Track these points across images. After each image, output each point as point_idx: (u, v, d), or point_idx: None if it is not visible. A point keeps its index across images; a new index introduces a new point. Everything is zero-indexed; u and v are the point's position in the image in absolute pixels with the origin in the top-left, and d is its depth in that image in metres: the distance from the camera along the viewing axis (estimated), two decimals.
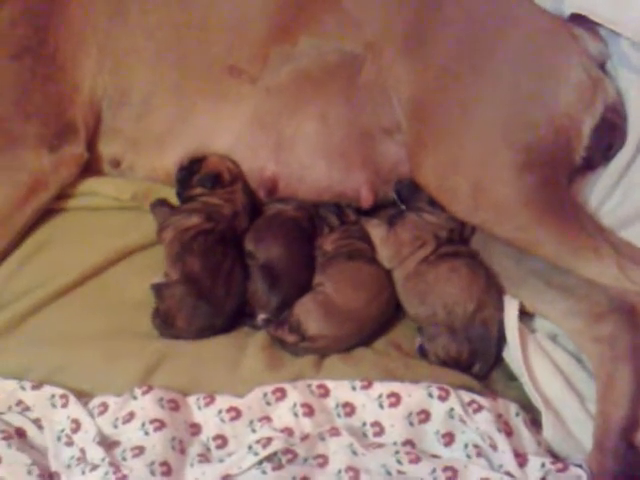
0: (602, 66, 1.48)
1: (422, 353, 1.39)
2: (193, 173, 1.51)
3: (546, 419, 1.28)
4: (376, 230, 1.50)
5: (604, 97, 1.43)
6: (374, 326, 1.42)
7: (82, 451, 1.22)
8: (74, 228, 1.50)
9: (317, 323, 1.36)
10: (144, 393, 1.27)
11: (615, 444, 1.23)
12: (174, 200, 1.54)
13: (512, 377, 1.37)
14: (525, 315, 1.42)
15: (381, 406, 1.27)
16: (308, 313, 1.37)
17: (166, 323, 1.38)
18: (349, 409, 1.28)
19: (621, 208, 1.42)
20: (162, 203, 1.51)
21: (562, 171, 1.40)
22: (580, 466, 1.22)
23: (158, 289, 1.40)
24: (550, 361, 1.36)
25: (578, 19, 1.49)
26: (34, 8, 1.49)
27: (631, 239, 1.39)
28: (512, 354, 1.36)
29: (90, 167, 1.53)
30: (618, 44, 1.47)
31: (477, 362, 1.37)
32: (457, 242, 1.46)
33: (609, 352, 1.32)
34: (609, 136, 1.44)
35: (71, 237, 1.49)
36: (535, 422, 1.30)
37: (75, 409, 1.26)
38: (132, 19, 1.51)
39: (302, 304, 1.39)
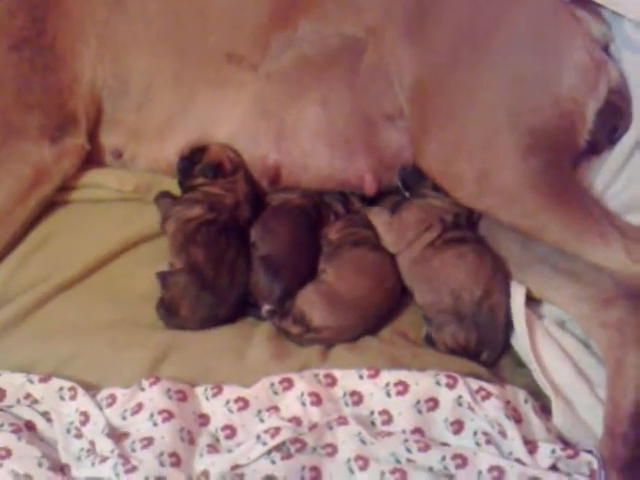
0: (605, 48, 1.47)
1: (429, 342, 1.39)
2: (194, 163, 1.51)
3: (556, 405, 1.28)
4: (378, 217, 1.50)
5: (608, 80, 1.42)
6: (379, 314, 1.41)
7: (91, 443, 1.22)
8: (78, 220, 1.50)
9: (321, 314, 1.36)
10: (152, 384, 1.27)
11: (625, 429, 1.23)
12: (177, 191, 1.53)
13: (520, 364, 1.37)
14: (532, 301, 1.42)
15: (389, 394, 1.27)
16: (311, 304, 1.36)
17: (170, 312, 1.38)
18: (357, 398, 1.28)
19: (627, 192, 1.41)
20: (165, 195, 1.51)
21: (567, 155, 1.40)
22: (591, 452, 1.22)
23: (163, 277, 1.40)
24: (558, 347, 1.35)
25: (581, 1, 1.47)
26: None
27: (638, 223, 1.38)
28: (520, 341, 1.36)
29: (92, 159, 1.53)
30: (621, 26, 1.46)
31: (485, 349, 1.36)
32: (464, 227, 1.46)
33: (617, 337, 1.32)
34: (613, 119, 1.43)
35: (75, 229, 1.49)
36: (544, 409, 1.30)
37: (83, 401, 1.26)
38: (131, 8, 1.50)
39: (304, 295, 1.38)
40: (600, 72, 1.41)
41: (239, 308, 1.41)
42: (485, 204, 1.37)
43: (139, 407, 1.25)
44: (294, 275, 1.41)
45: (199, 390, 1.30)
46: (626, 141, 1.42)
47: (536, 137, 1.36)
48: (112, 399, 1.27)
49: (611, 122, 1.43)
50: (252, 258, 1.43)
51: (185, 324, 1.38)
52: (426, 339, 1.40)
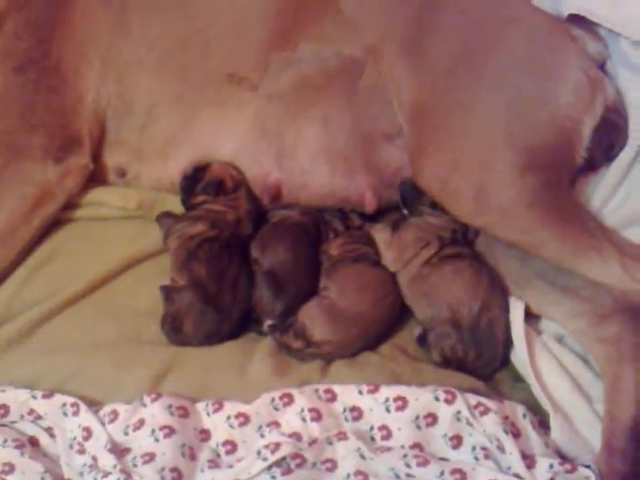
0: (602, 66, 1.49)
1: (421, 343, 1.40)
2: (197, 181, 1.53)
3: (554, 420, 1.28)
4: (380, 234, 1.51)
5: (604, 97, 1.43)
6: (379, 330, 1.42)
7: (94, 458, 1.23)
8: (81, 238, 1.51)
9: (322, 328, 1.37)
10: (153, 400, 1.28)
11: (623, 444, 1.23)
12: (179, 209, 1.55)
13: (519, 379, 1.37)
14: (531, 317, 1.43)
15: (388, 410, 1.28)
16: (313, 319, 1.37)
17: (174, 328, 1.39)
18: (356, 413, 1.29)
19: (624, 208, 1.42)
20: (167, 214, 1.53)
21: (564, 172, 1.41)
22: (589, 467, 1.22)
23: (167, 291, 1.41)
24: (557, 362, 1.36)
25: (576, 19, 1.49)
26: (37, 21, 1.50)
27: (634, 239, 1.39)
28: (519, 356, 1.36)
29: (96, 177, 1.55)
30: (617, 44, 1.47)
31: (483, 363, 1.37)
32: (461, 244, 1.47)
33: (615, 352, 1.32)
34: (610, 136, 1.44)
35: (79, 247, 1.50)
36: (543, 424, 1.30)
37: (86, 417, 1.27)
38: (134, 30, 1.53)
39: (307, 310, 1.39)
40: (596, 90, 1.43)
41: (241, 324, 1.42)
42: (483, 221, 1.38)
43: (141, 423, 1.26)
44: (296, 291, 1.43)
45: (200, 406, 1.30)
46: (623, 158, 1.43)
47: (533, 155, 1.37)
48: (114, 415, 1.28)
49: (608, 139, 1.44)
50: (254, 274, 1.45)
51: (188, 340, 1.39)
52: (419, 339, 1.40)
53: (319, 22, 1.52)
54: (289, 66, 1.51)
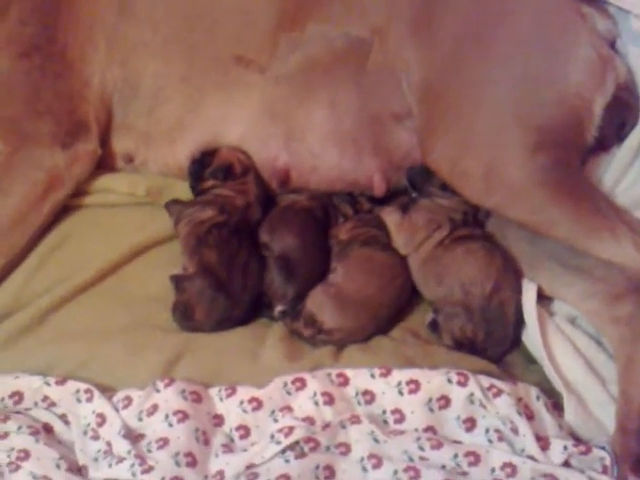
0: (612, 44, 1.47)
1: (433, 329, 1.40)
2: (205, 166, 1.52)
3: (568, 402, 1.28)
4: (390, 217, 1.50)
5: (615, 75, 1.41)
6: (389, 313, 1.42)
7: (108, 444, 1.24)
8: (91, 225, 1.51)
9: (332, 316, 1.36)
10: (166, 386, 1.28)
11: (638, 425, 1.23)
12: (188, 194, 1.54)
13: (532, 361, 1.37)
14: (543, 298, 1.42)
15: (401, 393, 1.28)
16: (321, 307, 1.37)
17: (185, 315, 1.39)
18: (369, 397, 1.29)
19: (636, 187, 1.41)
20: (175, 201, 1.52)
21: (575, 151, 1.40)
22: (603, 448, 1.22)
23: (178, 281, 1.41)
24: (570, 344, 1.35)
25: None
26: (42, 6, 1.49)
27: None
28: (531, 338, 1.36)
29: (104, 163, 1.54)
30: (627, 22, 1.46)
31: (492, 344, 1.37)
32: (472, 225, 1.46)
33: (628, 333, 1.31)
34: (621, 115, 1.42)
35: (89, 234, 1.50)
36: (556, 406, 1.30)
37: (100, 403, 1.28)
38: (139, 12, 1.51)
39: (313, 298, 1.38)
40: (607, 68, 1.41)
41: (253, 310, 1.42)
42: (493, 201, 1.37)
43: (154, 408, 1.26)
44: (308, 276, 1.42)
45: (213, 391, 1.30)
46: (634, 137, 1.42)
47: (543, 134, 1.36)
48: (128, 401, 1.28)
49: (619, 118, 1.43)
50: (264, 259, 1.44)
51: (200, 327, 1.39)
52: (431, 326, 1.40)
53: (327, 3, 1.50)
54: (297, 48, 1.50)
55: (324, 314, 1.36)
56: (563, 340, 1.35)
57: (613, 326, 1.34)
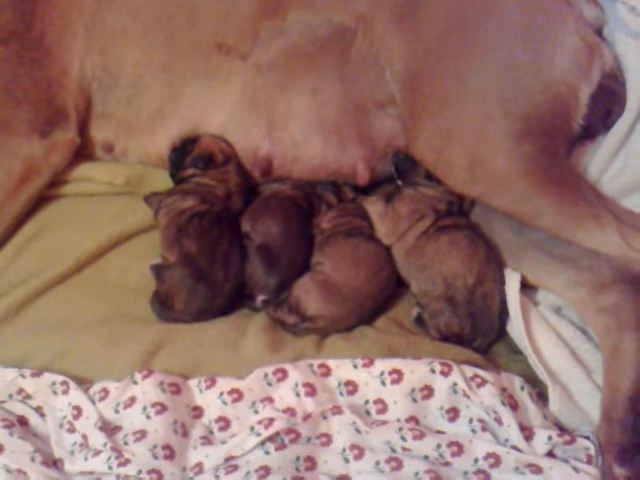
0: (599, 31, 1.46)
1: (419, 323, 1.39)
2: (186, 154, 1.50)
3: (552, 392, 1.27)
4: (373, 206, 1.49)
5: (601, 63, 1.40)
6: (374, 304, 1.41)
7: (84, 437, 1.22)
8: (69, 215, 1.49)
9: (316, 303, 1.35)
10: (144, 377, 1.27)
11: (623, 415, 1.22)
12: (168, 184, 1.52)
13: (516, 350, 1.36)
14: (528, 288, 1.41)
15: (383, 383, 1.26)
16: (307, 293, 1.36)
17: (165, 305, 1.37)
18: (351, 387, 1.27)
19: (622, 176, 1.40)
20: (154, 194, 1.50)
21: (560, 140, 1.38)
22: (588, 438, 1.22)
23: (158, 270, 1.39)
24: (554, 333, 1.34)
25: None
26: None
27: (633, 207, 1.37)
28: (515, 327, 1.35)
29: (83, 152, 1.52)
30: (614, 9, 1.45)
31: (479, 336, 1.36)
32: (456, 215, 1.45)
33: (614, 322, 1.30)
34: (608, 103, 1.41)
35: (67, 224, 1.48)
36: (541, 396, 1.29)
37: (76, 395, 1.26)
38: None
39: (301, 284, 1.38)
40: (593, 55, 1.40)
41: (234, 300, 1.41)
42: (478, 191, 1.36)
43: (132, 400, 1.25)
44: (290, 265, 1.41)
45: (192, 382, 1.29)
46: (621, 125, 1.41)
47: (529, 122, 1.34)
48: (105, 393, 1.27)
49: (605, 106, 1.42)
50: (246, 249, 1.42)
51: (180, 317, 1.37)
52: (417, 321, 1.39)
53: None
54: (279, 35, 1.48)
55: (309, 300, 1.35)
56: (547, 330, 1.35)
57: (598, 316, 1.33)
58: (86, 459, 1.19)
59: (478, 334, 1.36)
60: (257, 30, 1.48)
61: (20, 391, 1.28)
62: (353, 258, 1.41)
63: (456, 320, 1.35)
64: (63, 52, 1.47)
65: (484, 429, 1.21)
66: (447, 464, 1.17)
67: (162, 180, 1.53)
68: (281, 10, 1.48)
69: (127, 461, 1.17)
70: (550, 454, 1.20)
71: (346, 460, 1.19)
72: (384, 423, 1.22)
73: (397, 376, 1.26)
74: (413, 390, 1.25)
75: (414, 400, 1.25)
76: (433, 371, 1.26)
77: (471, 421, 1.22)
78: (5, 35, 1.45)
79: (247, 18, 1.48)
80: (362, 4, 1.46)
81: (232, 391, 1.27)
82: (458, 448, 1.18)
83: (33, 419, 1.26)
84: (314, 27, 1.47)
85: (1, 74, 1.45)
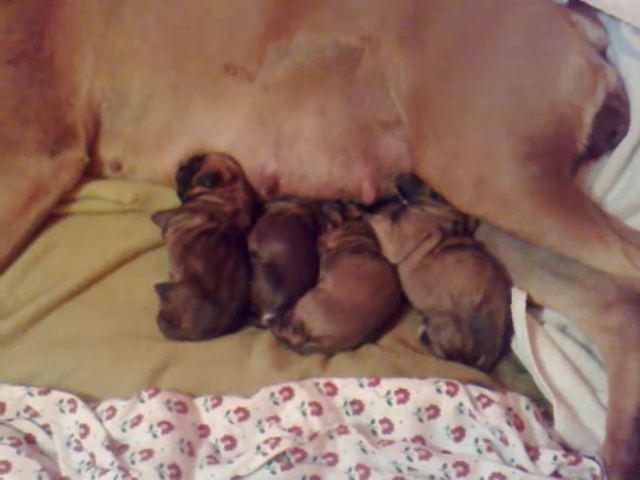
0: (602, 52, 1.47)
1: (424, 341, 1.39)
2: (193, 172, 1.51)
3: (558, 411, 1.27)
4: (380, 225, 1.49)
5: (605, 84, 1.41)
6: (378, 321, 1.40)
7: (91, 455, 1.22)
8: (77, 233, 1.49)
9: (321, 323, 1.35)
10: (151, 396, 1.27)
11: (628, 435, 1.22)
12: (175, 202, 1.53)
13: (522, 370, 1.36)
14: (533, 307, 1.41)
15: (389, 403, 1.26)
16: (310, 314, 1.36)
17: (171, 324, 1.37)
18: (357, 407, 1.27)
19: (626, 196, 1.41)
20: (162, 212, 1.50)
21: (565, 160, 1.39)
22: (593, 458, 1.21)
23: (162, 290, 1.39)
24: (560, 353, 1.34)
25: (577, 5, 1.47)
26: (29, 13, 1.48)
27: (637, 227, 1.38)
28: (521, 346, 1.34)
29: (91, 171, 1.53)
30: (618, 30, 1.46)
31: (482, 354, 1.36)
32: (462, 234, 1.45)
33: (619, 342, 1.30)
34: (612, 123, 1.42)
35: (74, 242, 1.48)
36: (546, 415, 1.29)
37: (83, 414, 1.26)
38: (127, 20, 1.50)
39: (303, 305, 1.37)
40: (597, 76, 1.41)
41: (240, 318, 1.41)
42: (483, 210, 1.36)
43: (139, 419, 1.25)
44: (296, 284, 1.41)
45: (199, 401, 1.29)
46: (625, 145, 1.42)
47: (534, 143, 1.35)
48: (112, 411, 1.27)
49: (610, 126, 1.42)
50: (253, 267, 1.43)
51: (186, 336, 1.37)
52: (422, 339, 1.39)
53: (315, 11, 1.49)
54: (285, 56, 1.49)
55: (313, 321, 1.35)
56: (553, 349, 1.34)
57: (603, 335, 1.33)
58: (93, 478, 1.18)
59: (481, 351, 1.36)
60: (264, 51, 1.49)
61: (27, 409, 1.28)
62: (356, 274, 1.41)
63: (459, 336, 1.35)
64: (72, 73, 1.49)
65: (490, 449, 1.21)
66: None
67: (169, 198, 1.53)
68: (288, 31, 1.49)
69: None
70: (555, 474, 1.19)
71: None
72: (390, 443, 1.22)
73: (403, 395, 1.26)
74: (419, 410, 1.25)
75: (420, 420, 1.25)
76: (439, 391, 1.26)
77: (477, 441, 1.22)
78: (15, 56, 1.47)
79: (254, 39, 1.49)
80: (368, 25, 1.48)
81: (238, 410, 1.27)
82: (464, 468, 1.18)
83: (40, 437, 1.26)
84: (320, 48, 1.49)
85: (11, 94, 1.46)
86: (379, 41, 1.47)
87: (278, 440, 1.21)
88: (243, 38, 1.50)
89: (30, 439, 1.25)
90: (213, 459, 1.23)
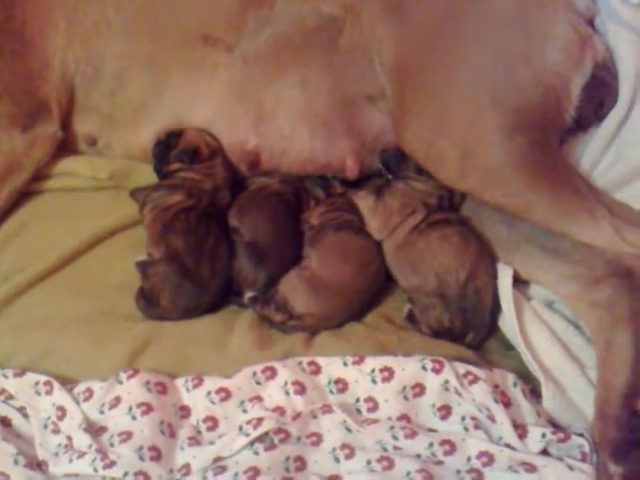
0: (590, 22, 1.44)
1: (410, 320, 1.37)
2: (170, 148, 1.47)
3: (546, 388, 1.25)
4: (364, 201, 1.47)
5: (593, 54, 1.39)
6: (363, 299, 1.39)
7: (69, 438, 1.20)
8: (52, 210, 1.47)
9: (304, 301, 1.33)
10: (130, 377, 1.25)
11: (617, 411, 1.20)
12: (153, 179, 1.49)
13: (509, 347, 1.34)
14: (520, 282, 1.39)
15: (374, 381, 1.25)
16: (294, 291, 1.34)
17: (150, 303, 1.35)
18: (341, 385, 1.26)
19: (615, 168, 1.39)
20: (140, 188, 1.47)
21: (553, 133, 1.37)
22: (582, 435, 1.20)
23: (143, 267, 1.37)
24: (547, 329, 1.33)
25: None
26: None
27: (626, 200, 1.36)
28: (508, 323, 1.33)
29: (66, 146, 1.50)
30: None
31: (470, 332, 1.34)
32: (447, 209, 1.43)
33: (607, 317, 1.29)
34: (600, 94, 1.40)
35: (49, 220, 1.46)
36: (534, 392, 1.27)
37: (60, 396, 1.24)
38: None
39: (287, 281, 1.35)
40: (585, 46, 1.38)
41: (221, 297, 1.39)
42: (469, 184, 1.34)
43: (117, 401, 1.23)
44: (279, 261, 1.39)
45: (179, 382, 1.27)
46: (613, 117, 1.40)
47: (520, 115, 1.33)
48: (89, 393, 1.25)
49: (598, 97, 1.40)
50: (234, 245, 1.40)
51: (166, 315, 1.35)
52: (408, 318, 1.37)
53: None
54: (266, 25, 1.45)
55: (296, 298, 1.33)
56: (540, 325, 1.33)
57: (591, 310, 1.32)
58: (71, 461, 1.17)
59: (469, 329, 1.34)
60: (243, 21, 1.45)
61: (2, 391, 1.25)
62: (340, 252, 1.39)
63: (447, 315, 1.33)
64: (45, 44, 1.45)
65: (477, 427, 1.19)
66: (439, 463, 1.16)
67: (147, 175, 1.50)
68: (268, 0, 1.45)
69: (113, 463, 1.15)
70: (544, 452, 1.18)
71: (337, 460, 1.17)
72: (375, 422, 1.21)
73: (388, 374, 1.24)
74: (404, 388, 1.24)
75: (405, 398, 1.23)
76: (424, 368, 1.24)
77: (463, 419, 1.21)
78: None
79: (234, 8, 1.46)
80: None
81: (220, 390, 1.25)
82: (450, 447, 1.17)
83: (16, 420, 1.24)
84: (302, 17, 1.45)
85: None
86: (362, 10, 1.44)
87: (261, 420, 1.19)
88: (222, 7, 1.46)
89: (6, 422, 1.23)
90: (194, 440, 1.21)
